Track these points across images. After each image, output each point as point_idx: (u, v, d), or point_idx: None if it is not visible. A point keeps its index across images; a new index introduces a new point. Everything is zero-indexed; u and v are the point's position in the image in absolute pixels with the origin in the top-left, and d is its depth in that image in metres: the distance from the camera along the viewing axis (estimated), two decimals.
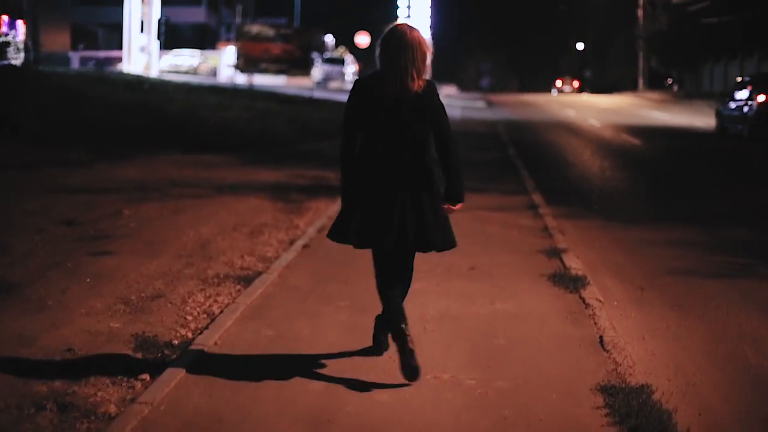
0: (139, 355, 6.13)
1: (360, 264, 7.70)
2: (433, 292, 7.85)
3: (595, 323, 7.00)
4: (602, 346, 6.43)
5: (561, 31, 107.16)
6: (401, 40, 5.58)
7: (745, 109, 27.55)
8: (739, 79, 31.45)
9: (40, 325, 6.74)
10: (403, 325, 5.65)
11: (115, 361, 5.95)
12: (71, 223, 10.93)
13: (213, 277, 8.36)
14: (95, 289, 7.76)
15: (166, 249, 9.50)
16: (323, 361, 6.00)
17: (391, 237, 5.63)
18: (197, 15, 75.67)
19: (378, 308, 6.14)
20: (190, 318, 7.05)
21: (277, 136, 24.20)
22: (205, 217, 11.52)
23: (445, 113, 5.77)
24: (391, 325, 5.77)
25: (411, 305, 7.13)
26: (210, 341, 6.34)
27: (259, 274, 8.45)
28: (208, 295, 7.73)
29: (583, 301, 7.61)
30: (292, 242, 10.08)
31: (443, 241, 5.81)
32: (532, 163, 19.49)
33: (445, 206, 5.79)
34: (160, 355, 6.13)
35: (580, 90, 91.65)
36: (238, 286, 8.01)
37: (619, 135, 29.35)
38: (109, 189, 13.73)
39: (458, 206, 5.84)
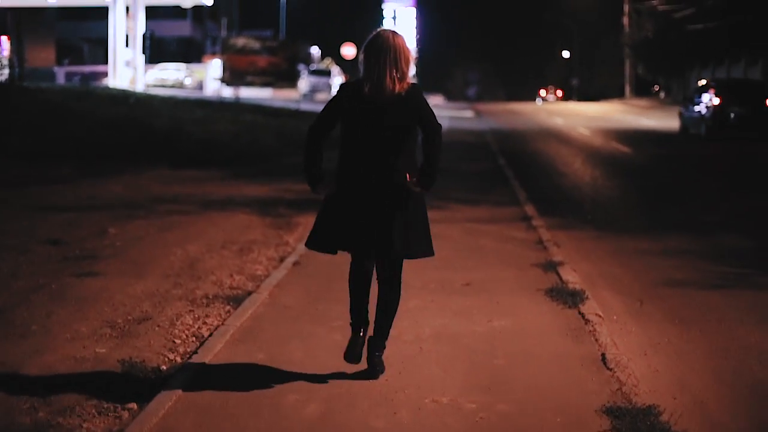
0: (126, 383, 5.90)
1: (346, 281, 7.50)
2: (428, 309, 7.65)
3: (596, 340, 6.81)
4: (605, 364, 6.23)
5: (546, 39, 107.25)
6: (383, 44, 5.63)
7: (704, 111, 30.20)
8: (701, 82, 34.25)
9: (23, 351, 6.51)
10: (361, 333, 5.97)
11: (102, 389, 5.71)
12: (56, 242, 10.70)
13: (202, 297, 8.14)
14: (80, 313, 7.54)
15: (153, 269, 9.28)
16: (317, 385, 5.78)
17: (360, 241, 5.71)
18: (182, 28, 75.52)
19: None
20: (178, 341, 6.83)
21: (264, 150, 23.98)
22: (193, 234, 11.31)
23: (431, 110, 5.76)
24: (353, 327, 6.04)
25: (405, 323, 6.95)
26: (200, 366, 6.12)
27: (249, 293, 8.23)
28: (197, 316, 7.51)
29: (583, 317, 7.41)
30: (282, 259, 9.87)
31: (413, 247, 5.87)
32: (523, 173, 19.30)
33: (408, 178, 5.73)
34: (148, 382, 5.90)
35: (565, 98, 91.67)
36: (228, 307, 7.80)
37: (609, 143, 29.21)
38: (94, 207, 13.50)
39: (417, 186, 5.79)
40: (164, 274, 9.05)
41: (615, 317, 7.79)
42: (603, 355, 6.41)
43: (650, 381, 6.08)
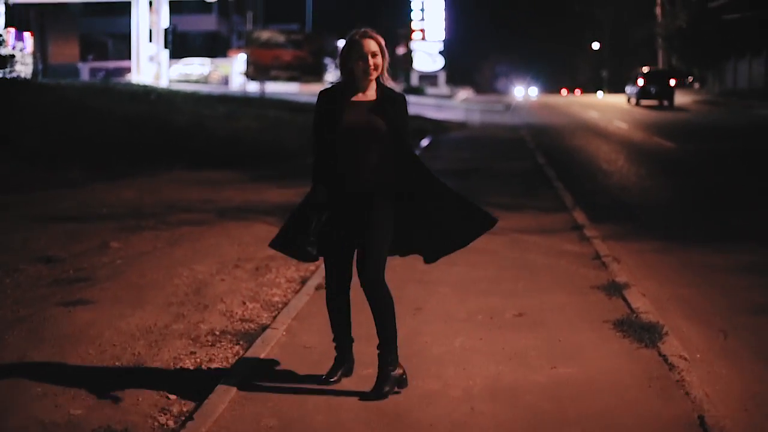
0: None
1: None
2: (477, 351, 6.34)
3: (687, 394, 5.48)
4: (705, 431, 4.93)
5: (577, 31, 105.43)
6: (358, 45, 5.46)
7: (635, 88, 50.26)
8: (644, 69, 52.48)
9: None
10: (341, 351, 5.79)
11: None
12: (50, 260, 9.51)
13: (207, 334, 6.88)
14: (59, 356, 6.29)
15: (153, 295, 8.03)
16: None
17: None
18: (208, 23, 74.50)
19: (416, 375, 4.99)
20: (172, 398, 5.57)
21: (287, 148, 22.68)
22: (204, 250, 10.06)
23: (406, 113, 5.66)
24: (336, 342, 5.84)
25: (451, 371, 5.75)
26: None
27: (264, 328, 6.97)
28: (198, 360, 6.26)
29: (665, 360, 6.08)
30: (303, 281, 8.61)
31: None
32: (565, 172, 17.91)
33: None
34: None
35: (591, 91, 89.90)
36: (237, 347, 6.55)
37: (650, 137, 27.74)
38: (100, 215, 12.32)
39: None
40: (166, 302, 7.80)
41: (698, 355, 6.49)
42: (701, 418, 5.10)
43: None
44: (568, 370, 5.92)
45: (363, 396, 5.47)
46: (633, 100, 50.88)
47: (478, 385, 5.65)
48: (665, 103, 48.44)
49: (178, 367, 6.13)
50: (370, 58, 5.40)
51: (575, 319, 7.18)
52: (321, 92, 5.63)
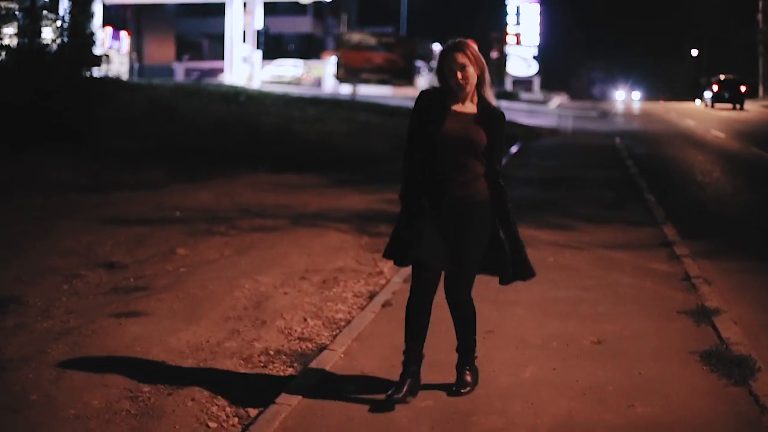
0: None
1: (447, 333, 5.82)
2: (549, 383, 5.77)
3: None
4: None
5: (675, 37, 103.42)
6: (447, 57, 5.36)
7: (710, 94, 57.49)
8: (721, 77, 57.69)
9: None
10: (410, 363, 5.47)
11: None
12: (112, 266, 9.21)
13: (260, 353, 6.45)
14: (99, 374, 5.89)
15: (211, 308, 7.62)
16: None
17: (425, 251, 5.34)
18: (303, 25, 74.70)
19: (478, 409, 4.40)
20: (213, 426, 5.14)
21: (374, 153, 22.26)
22: (271, 259, 9.64)
23: (503, 132, 5.52)
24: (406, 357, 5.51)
25: (518, 407, 5.24)
26: None
27: (321, 349, 6.51)
28: (246, 384, 5.81)
29: (757, 401, 5.47)
30: (371, 296, 8.14)
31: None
32: (657, 183, 17.16)
33: None
34: None
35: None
36: (290, 370, 6.10)
37: (748, 148, 26.75)
38: (171, 219, 12.00)
39: None
40: (223, 317, 7.39)
41: None
42: None
43: None
44: (647, 410, 5.33)
45: (448, 392, 5.52)
46: (708, 104, 57.75)
47: (546, 424, 5.10)
48: (737, 107, 54.50)
49: (224, 390, 5.68)
50: (458, 72, 5.28)
51: (658, 348, 6.57)
52: (421, 93, 5.54)
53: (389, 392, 5.37)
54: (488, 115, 5.39)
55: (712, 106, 55.75)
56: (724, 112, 50.07)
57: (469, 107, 5.40)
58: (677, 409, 5.36)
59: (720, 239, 11.62)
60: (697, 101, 64.64)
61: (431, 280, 5.39)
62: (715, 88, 56.27)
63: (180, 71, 58.91)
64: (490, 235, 5.43)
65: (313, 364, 6.07)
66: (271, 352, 6.48)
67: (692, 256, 9.96)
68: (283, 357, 6.38)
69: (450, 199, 5.33)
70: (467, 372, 5.64)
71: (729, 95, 55.21)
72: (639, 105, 73.26)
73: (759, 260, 10.32)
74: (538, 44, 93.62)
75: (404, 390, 5.38)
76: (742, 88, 55.15)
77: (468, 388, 5.57)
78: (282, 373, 6.01)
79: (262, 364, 6.22)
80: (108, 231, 11.07)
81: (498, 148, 5.45)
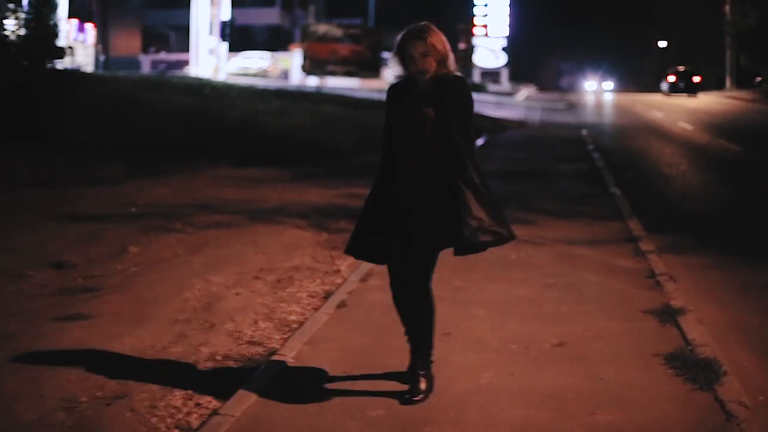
0: None
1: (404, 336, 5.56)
2: (507, 390, 5.51)
3: None
4: None
5: (643, 29, 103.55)
6: (406, 46, 5.24)
7: (668, 83, 63.39)
8: (679, 68, 64.42)
9: None
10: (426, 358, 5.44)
11: None
12: (61, 265, 8.88)
13: (207, 359, 6.16)
14: (36, 383, 5.59)
15: (159, 310, 7.32)
16: None
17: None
18: (271, 16, 74.33)
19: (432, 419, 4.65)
20: None
21: (339, 146, 21.96)
22: (226, 258, 9.35)
23: (467, 97, 5.36)
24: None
25: (473, 415, 5.03)
26: None
27: (272, 353, 6.23)
28: (189, 394, 5.52)
29: (723, 408, 5.24)
30: (326, 296, 7.86)
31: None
32: (624, 176, 16.95)
33: None
34: None
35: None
36: (237, 377, 5.81)
37: (716, 140, 26.60)
38: (127, 216, 11.68)
39: None
40: (171, 319, 7.09)
41: (761, 398, 5.62)
42: None
43: None
44: (609, 418, 5.08)
45: (401, 400, 5.29)
46: (666, 93, 63.05)
47: None
48: (692, 95, 59.77)
49: (164, 401, 5.38)
50: (419, 59, 5.17)
51: (622, 351, 6.32)
52: (390, 87, 5.48)
53: (405, 396, 5.31)
54: (442, 85, 5.24)
55: (669, 95, 61.44)
56: (692, 104, 50.06)
57: (429, 88, 5.27)
58: (640, 418, 5.11)
59: (686, 234, 11.43)
60: (675, 93, 65.94)
61: (402, 271, 5.31)
62: (672, 78, 62.86)
63: (146, 63, 58.38)
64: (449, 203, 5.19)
65: (261, 371, 5.79)
66: (219, 358, 6.19)
67: (657, 252, 9.74)
68: (231, 363, 6.10)
69: (408, 186, 5.25)
70: (422, 378, 5.38)
71: (684, 85, 61.50)
72: (608, 96, 73.27)
73: (725, 255, 10.12)
74: (506, 35, 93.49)
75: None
76: (695, 79, 61.65)
77: (421, 396, 5.30)
78: (228, 380, 5.71)
79: (207, 371, 5.94)
80: (59, 228, 10.75)
81: (465, 117, 5.27)
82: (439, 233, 5.20)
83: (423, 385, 5.36)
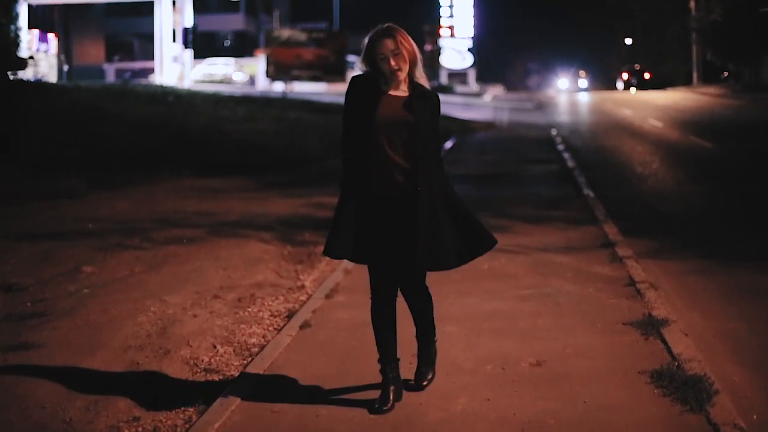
0: None
1: (372, 358, 5.26)
2: (483, 418, 5.09)
3: None
4: None
5: (608, 26, 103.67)
6: (376, 45, 5.14)
7: (622, 81, 72.12)
8: (635, 67, 72.61)
9: None
10: (391, 375, 5.29)
11: None
12: (10, 288, 8.47)
13: (159, 391, 5.71)
14: None
15: (110, 337, 6.87)
16: None
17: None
18: (235, 22, 74.10)
19: None
20: None
21: (304, 152, 21.51)
22: (184, 276, 8.90)
23: (438, 113, 5.37)
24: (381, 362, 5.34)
25: None
26: None
27: (230, 382, 5.80)
28: (141, 429, 5.07)
29: (715, 430, 4.86)
30: (289, 315, 7.43)
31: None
32: (596, 177, 16.61)
33: None
34: None
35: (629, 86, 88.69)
36: (191, 410, 5.38)
37: (687, 137, 26.31)
38: (83, 232, 11.22)
39: None
40: (123, 346, 6.64)
41: (755, 417, 5.25)
42: None
43: None
44: None
45: (408, 387, 5.45)
46: (621, 89, 70.40)
47: None
48: (643, 89, 65.36)
49: None
50: (391, 58, 5.08)
51: (604, 369, 5.92)
52: (353, 78, 5.32)
53: (375, 405, 5.19)
54: (422, 97, 5.20)
55: (623, 90, 68.22)
56: (661, 100, 49.87)
57: (403, 91, 5.20)
58: None
59: (664, 237, 11.06)
60: (632, 89, 69.64)
61: (389, 278, 5.23)
62: (625, 76, 71.42)
63: (111, 72, 57.90)
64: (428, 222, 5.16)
65: (217, 404, 5.35)
66: (173, 389, 5.75)
67: (635, 257, 9.37)
68: (185, 394, 5.65)
69: (391, 188, 5.13)
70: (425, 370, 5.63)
71: (636, 82, 69.14)
72: (579, 95, 73.13)
73: (705, 259, 9.75)
74: (472, 36, 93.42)
75: (390, 399, 5.24)
76: (646, 76, 69.74)
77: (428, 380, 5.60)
78: (181, 414, 5.28)
79: (160, 403, 5.49)
80: (12, 247, 10.30)
81: (436, 131, 5.28)
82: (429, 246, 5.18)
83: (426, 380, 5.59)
